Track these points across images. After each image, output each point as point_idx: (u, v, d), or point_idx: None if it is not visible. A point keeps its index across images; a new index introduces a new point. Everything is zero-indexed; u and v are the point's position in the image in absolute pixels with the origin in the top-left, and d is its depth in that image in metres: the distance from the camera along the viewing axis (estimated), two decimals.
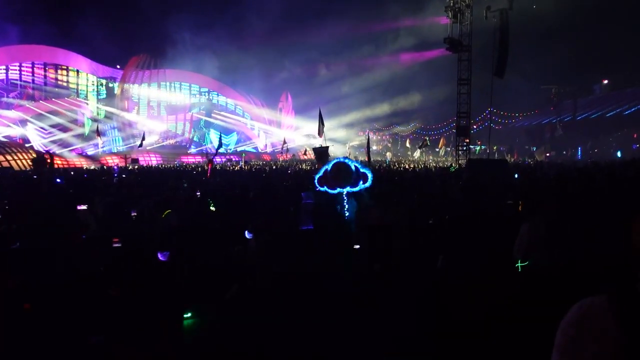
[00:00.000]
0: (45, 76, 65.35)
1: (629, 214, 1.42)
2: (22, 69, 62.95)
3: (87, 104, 65.39)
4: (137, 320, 4.65)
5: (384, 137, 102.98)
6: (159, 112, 75.63)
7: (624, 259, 1.37)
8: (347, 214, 8.12)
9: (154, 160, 52.09)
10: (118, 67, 70.01)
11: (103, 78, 69.93)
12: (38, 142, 53.45)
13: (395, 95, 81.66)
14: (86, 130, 60.11)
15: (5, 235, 6.10)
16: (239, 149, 71.33)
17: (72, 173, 26.08)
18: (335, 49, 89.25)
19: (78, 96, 66.48)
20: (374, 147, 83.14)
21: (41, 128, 55.80)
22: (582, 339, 1.35)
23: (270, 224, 6.45)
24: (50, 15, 69.80)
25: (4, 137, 49.42)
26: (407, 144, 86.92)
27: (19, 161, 35.71)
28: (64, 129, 58.15)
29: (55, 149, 51.43)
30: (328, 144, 24.78)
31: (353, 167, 8.36)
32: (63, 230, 5.98)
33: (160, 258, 5.49)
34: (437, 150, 76.29)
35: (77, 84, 68.16)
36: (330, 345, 4.67)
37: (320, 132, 26.33)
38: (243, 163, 47.54)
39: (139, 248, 5.74)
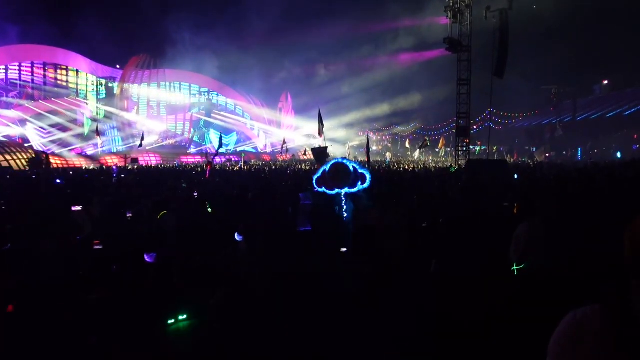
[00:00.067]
0: (44, 76, 65.31)
1: (623, 226, 1.41)
2: (22, 68, 62.92)
3: (86, 103, 65.35)
4: (123, 322, 4.61)
5: (384, 137, 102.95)
6: (158, 112, 75.60)
7: (618, 268, 1.36)
8: (345, 215, 8.09)
9: (153, 160, 52.05)
10: (118, 67, 70.00)
11: (103, 78, 69.90)
12: (37, 141, 53.43)
13: (395, 96, 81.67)
14: (86, 130, 60.08)
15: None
16: (238, 149, 71.30)
17: (71, 173, 26.04)
18: (335, 49, 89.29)
19: (78, 96, 66.44)
20: (373, 148, 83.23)
21: (41, 128, 55.76)
22: (575, 349, 1.35)
23: (262, 225, 6.41)
24: (50, 15, 69.87)
25: (3, 136, 49.40)
26: (407, 145, 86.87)
27: (18, 161, 35.66)
28: (63, 128, 58.12)
29: (55, 149, 51.43)
30: (327, 144, 24.74)
31: (351, 168, 8.32)
32: (59, 232, 5.95)
33: (147, 260, 5.42)
34: (437, 150, 76.27)
35: (77, 84, 68.12)
36: (329, 346, 4.65)
37: (321, 132, 26.29)
38: (242, 163, 47.50)
39: (124, 250, 5.69)
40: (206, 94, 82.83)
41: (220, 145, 32.18)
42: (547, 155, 65.72)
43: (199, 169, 32.48)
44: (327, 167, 8.46)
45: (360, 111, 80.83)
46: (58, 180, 17.85)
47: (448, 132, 74.75)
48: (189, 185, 14.80)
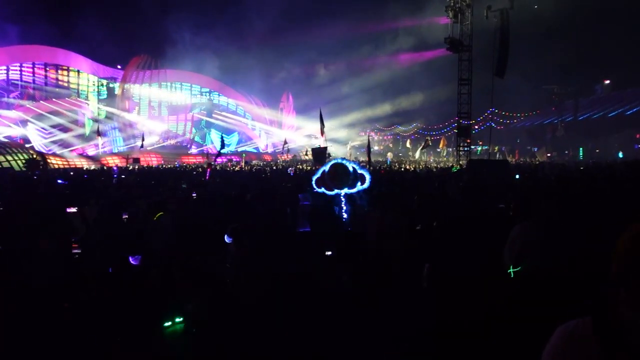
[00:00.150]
0: (46, 76, 65.43)
1: (623, 226, 1.40)
2: (23, 69, 63.03)
3: (87, 104, 65.41)
4: (118, 324, 4.58)
5: (385, 137, 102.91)
6: (159, 113, 75.68)
7: (607, 282, 1.36)
8: (344, 216, 8.05)
9: (154, 161, 52.03)
10: (119, 67, 70.07)
11: (104, 78, 69.98)
12: (39, 142, 53.49)
13: (397, 96, 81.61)
14: (87, 130, 60.17)
15: None
16: (239, 149, 71.33)
17: (71, 173, 26.03)
18: (336, 49, 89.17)
19: (79, 96, 66.53)
20: (375, 148, 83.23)
21: (42, 128, 55.83)
22: None
23: (258, 226, 6.36)
24: (51, 16, 69.88)
25: (4, 137, 49.44)
26: (408, 144, 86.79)
27: (19, 162, 35.66)
28: (64, 129, 58.22)
29: (56, 149, 51.51)
30: (328, 144, 24.73)
31: (351, 169, 8.28)
32: (58, 232, 5.92)
33: (132, 262, 5.37)
34: (439, 150, 76.23)
35: (78, 84, 68.22)
36: (328, 346, 4.62)
37: (322, 133, 26.30)
38: (243, 163, 47.51)
39: (114, 253, 5.62)
40: (207, 94, 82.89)
41: (222, 147, 32.24)
42: (549, 155, 65.62)
43: (200, 169, 32.48)
44: (326, 168, 8.42)
45: (362, 111, 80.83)
46: (60, 181, 17.86)
47: (450, 132, 74.66)
48: (189, 186, 14.77)
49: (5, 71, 61.05)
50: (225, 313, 5.22)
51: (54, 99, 61.21)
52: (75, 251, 5.44)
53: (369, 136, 28.91)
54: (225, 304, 5.35)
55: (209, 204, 9.50)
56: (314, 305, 5.25)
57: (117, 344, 4.44)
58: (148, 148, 56.32)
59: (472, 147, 41.28)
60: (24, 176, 23.22)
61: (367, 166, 22.68)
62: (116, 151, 57.03)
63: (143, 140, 46.20)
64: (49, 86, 64.82)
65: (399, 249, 6.42)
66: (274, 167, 39.07)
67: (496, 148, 66.99)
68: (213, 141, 71.93)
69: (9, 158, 35.21)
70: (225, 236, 5.64)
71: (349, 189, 8.21)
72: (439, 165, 42.23)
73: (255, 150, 77.46)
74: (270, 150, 79.36)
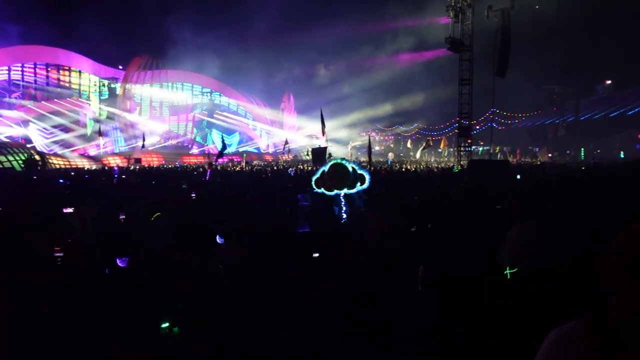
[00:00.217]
0: (47, 77, 65.54)
1: (623, 226, 1.41)
2: (25, 69, 63.15)
3: (89, 104, 65.50)
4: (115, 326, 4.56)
5: (386, 137, 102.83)
6: (161, 113, 75.76)
7: (598, 287, 1.37)
8: (344, 216, 8.04)
9: (155, 161, 52.08)
10: (120, 67, 70.13)
11: (105, 79, 70.07)
12: (40, 142, 53.57)
13: (398, 96, 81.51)
14: (88, 130, 60.26)
15: None
16: (241, 150, 71.39)
17: (72, 174, 26.07)
18: (337, 49, 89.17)
19: (80, 97, 66.62)
20: (376, 148, 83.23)
21: (43, 128, 55.92)
22: None
23: (249, 227, 6.33)
24: (52, 16, 69.88)
25: (6, 137, 49.51)
26: (409, 145, 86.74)
27: (20, 162, 35.71)
28: (66, 129, 58.33)
29: (58, 150, 51.60)
30: (329, 144, 24.73)
31: (350, 169, 8.27)
32: (58, 232, 5.91)
33: (120, 264, 5.33)
34: (440, 150, 76.19)
35: (80, 85, 68.32)
36: (328, 346, 4.61)
37: (323, 133, 26.30)
38: (244, 163, 47.54)
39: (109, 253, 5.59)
40: (208, 94, 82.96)
41: (224, 148, 32.31)
42: (550, 155, 65.59)
43: (201, 169, 32.50)
44: (325, 168, 8.41)
45: (363, 111, 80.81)
46: (62, 180, 17.90)
47: (451, 132, 74.63)
48: (189, 186, 14.77)
49: (6, 71, 61.17)
50: (218, 314, 5.20)
51: (55, 99, 61.30)
52: (58, 254, 5.38)
53: (369, 136, 28.82)
54: (217, 305, 5.33)
55: (207, 204, 9.49)
56: (311, 306, 5.23)
57: (110, 345, 4.43)
58: (149, 148, 56.39)
59: (473, 147, 41.28)
60: (24, 176, 23.23)
61: (368, 166, 22.66)
62: (117, 151, 57.12)
63: (144, 140, 46.28)
64: (51, 86, 64.93)
65: (399, 249, 6.41)
66: (275, 168, 39.07)
67: (497, 148, 66.92)
68: (214, 141, 72.00)
69: (10, 158, 35.28)
70: (217, 237, 5.62)
71: (348, 189, 8.20)
72: (440, 166, 42.21)
73: (256, 151, 77.51)
74: (271, 150, 79.38)
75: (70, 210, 6.28)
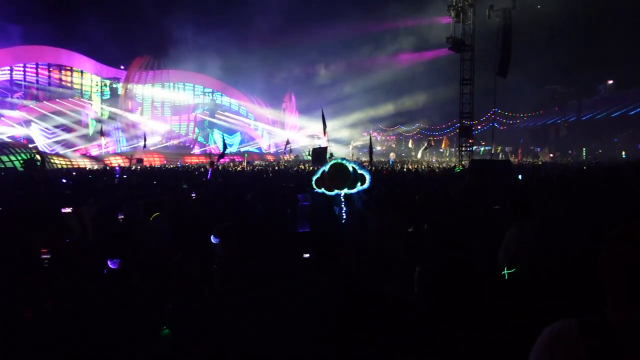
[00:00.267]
0: (49, 77, 65.59)
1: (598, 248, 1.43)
2: (26, 69, 63.20)
3: (91, 104, 65.55)
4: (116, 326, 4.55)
5: (388, 137, 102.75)
6: (162, 113, 75.79)
7: (593, 285, 1.38)
8: (344, 216, 8.03)
9: (157, 161, 52.10)
10: (122, 67, 70.20)
11: (107, 79, 70.18)
12: (42, 142, 53.64)
13: (399, 96, 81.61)
14: (90, 130, 60.26)
15: None
16: (242, 150, 71.41)
17: (74, 173, 26.10)
18: (338, 49, 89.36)
19: (82, 97, 66.69)
20: (377, 148, 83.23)
21: (45, 128, 55.99)
22: None
23: (245, 227, 6.30)
24: (54, 16, 70.12)
25: (8, 137, 49.58)
26: (410, 145, 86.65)
27: (21, 162, 35.74)
28: (67, 129, 58.38)
29: (59, 150, 51.64)
30: (331, 144, 24.71)
31: (351, 169, 8.26)
32: (58, 232, 5.91)
33: (111, 266, 5.31)
34: (441, 150, 76.13)
35: (81, 85, 68.41)
36: (327, 346, 4.61)
37: (325, 133, 26.28)
38: (245, 163, 47.54)
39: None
40: (210, 94, 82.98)
41: (225, 148, 32.42)
42: (552, 155, 65.52)
43: (202, 169, 32.52)
44: (326, 168, 8.40)
45: (364, 111, 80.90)
46: (64, 180, 17.92)
47: (453, 132, 74.60)
48: (189, 186, 14.78)
49: (8, 71, 61.24)
50: (217, 314, 5.20)
51: (57, 99, 61.36)
52: (45, 256, 5.34)
53: (370, 136, 28.78)
54: (216, 305, 5.33)
55: (207, 204, 9.48)
56: (311, 306, 5.22)
57: (110, 345, 4.43)
58: (151, 148, 56.43)
59: (475, 147, 41.23)
60: (25, 176, 23.24)
61: (369, 166, 22.64)
62: (119, 151, 57.14)
63: (145, 140, 46.34)
64: (53, 86, 65.00)
65: (398, 249, 6.41)
66: (276, 168, 39.06)
67: (499, 148, 66.86)
68: (216, 141, 72.01)
69: (12, 158, 35.32)
70: (212, 236, 5.61)
71: (349, 189, 8.18)
72: (441, 166, 42.17)
73: (257, 151, 77.51)
74: (272, 150, 79.35)
75: (68, 210, 6.27)
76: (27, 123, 54.89)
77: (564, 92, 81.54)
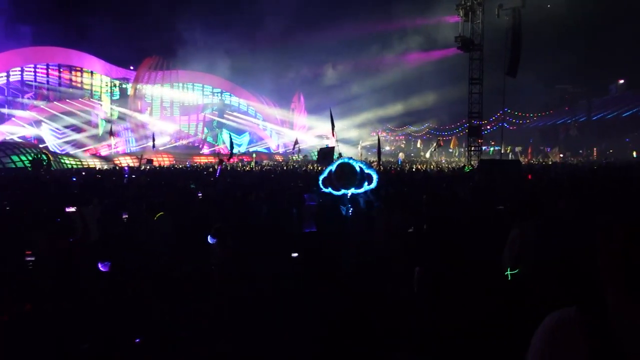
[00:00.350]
0: (59, 77, 66.06)
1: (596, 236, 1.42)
2: (37, 70, 63.69)
3: (100, 105, 65.91)
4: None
5: (397, 137, 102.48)
6: (172, 113, 76.07)
7: (594, 272, 1.37)
8: (350, 216, 7.99)
9: (166, 161, 52.27)
10: (131, 68, 70.53)
11: (116, 79, 70.55)
12: (52, 142, 54.03)
13: (408, 95, 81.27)
14: (100, 131, 60.58)
15: None
16: (251, 150, 71.52)
17: (83, 173, 26.28)
18: (347, 49, 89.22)
19: (92, 97, 67.09)
20: (386, 148, 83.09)
21: (55, 129, 56.40)
22: (553, 351, 1.37)
23: (243, 227, 6.26)
24: (64, 18, 70.58)
25: (19, 137, 50.00)
26: (419, 145, 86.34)
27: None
28: (77, 129, 58.74)
29: (69, 150, 51.99)
30: (338, 144, 24.66)
31: (358, 168, 8.23)
32: (59, 232, 5.90)
33: (101, 269, 5.29)
34: (451, 150, 75.81)
35: (91, 85, 68.83)
36: (327, 346, 4.58)
37: (333, 133, 26.18)
38: (253, 163, 47.58)
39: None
40: (219, 94, 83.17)
41: (232, 148, 32.58)
42: (562, 155, 65.07)
43: (211, 169, 32.60)
44: (333, 167, 8.38)
45: (373, 111, 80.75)
46: (74, 179, 18.02)
47: (462, 132, 74.26)
48: (197, 186, 14.79)
49: (19, 72, 61.75)
50: (217, 314, 5.18)
51: (67, 100, 61.79)
52: (29, 259, 5.30)
53: (378, 136, 28.69)
54: (215, 305, 5.32)
55: (213, 204, 9.47)
56: (310, 306, 5.20)
57: (110, 345, 4.42)
58: (160, 148, 56.67)
59: (484, 147, 41.01)
60: (33, 176, 23.41)
61: (378, 167, 22.59)
62: (129, 151, 57.41)
63: (154, 140, 46.53)
64: (63, 87, 65.48)
65: (401, 249, 6.37)
66: (285, 168, 39.06)
67: (508, 148, 66.47)
68: (225, 141, 72.18)
69: (23, 158, 35.59)
70: (209, 237, 5.59)
71: (356, 188, 8.15)
72: (450, 166, 41.99)
73: (266, 151, 77.58)
74: (281, 150, 79.38)
75: (72, 209, 6.27)
76: (38, 123, 55.33)
77: (574, 92, 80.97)
